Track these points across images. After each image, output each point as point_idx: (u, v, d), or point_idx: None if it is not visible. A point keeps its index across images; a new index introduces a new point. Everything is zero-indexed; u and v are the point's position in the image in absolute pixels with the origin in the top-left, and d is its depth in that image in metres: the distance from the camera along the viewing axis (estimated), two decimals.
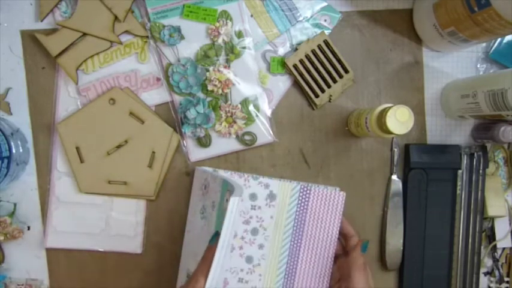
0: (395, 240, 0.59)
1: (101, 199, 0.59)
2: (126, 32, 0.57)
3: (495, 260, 0.62)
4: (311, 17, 0.58)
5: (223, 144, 0.58)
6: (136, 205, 0.59)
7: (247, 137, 0.58)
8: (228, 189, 0.47)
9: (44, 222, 0.59)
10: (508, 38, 0.59)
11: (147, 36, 0.57)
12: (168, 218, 0.59)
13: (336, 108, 0.60)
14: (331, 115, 0.60)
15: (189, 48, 0.57)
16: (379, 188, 0.60)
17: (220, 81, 0.56)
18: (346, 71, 0.58)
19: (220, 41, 0.56)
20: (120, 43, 0.57)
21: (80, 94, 0.58)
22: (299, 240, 0.55)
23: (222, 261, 0.42)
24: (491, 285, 0.62)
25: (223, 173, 0.55)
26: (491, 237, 0.61)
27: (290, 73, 0.58)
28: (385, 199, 0.60)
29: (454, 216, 0.59)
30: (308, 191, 0.54)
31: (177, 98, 0.57)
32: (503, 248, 0.62)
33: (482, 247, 0.60)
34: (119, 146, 0.58)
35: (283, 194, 0.55)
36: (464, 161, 0.59)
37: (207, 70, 0.57)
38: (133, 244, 0.59)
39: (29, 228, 0.59)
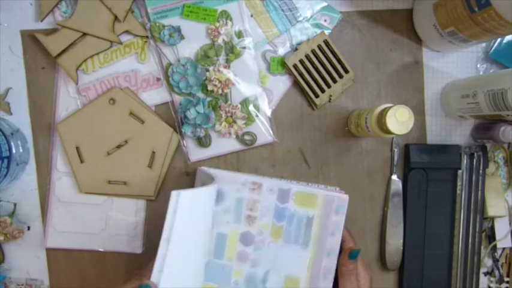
0: (395, 240, 0.59)
1: (101, 199, 0.59)
2: (126, 32, 0.57)
3: (495, 260, 0.62)
4: (311, 17, 0.58)
5: (223, 144, 0.58)
6: (136, 205, 0.59)
7: (247, 137, 0.58)
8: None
9: (44, 222, 0.59)
10: (508, 38, 0.59)
11: (147, 36, 0.57)
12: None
13: (336, 108, 0.60)
14: (331, 115, 0.60)
15: (189, 48, 0.57)
16: (379, 188, 0.60)
17: (220, 81, 0.56)
18: (346, 71, 0.58)
19: (220, 41, 0.56)
20: (120, 43, 0.57)
21: (80, 94, 0.58)
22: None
23: (169, 256, 0.43)
24: (491, 285, 0.62)
25: (217, 171, 0.55)
26: (491, 237, 0.61)
27: (290, 73, 0.58)
28: (385, 199, 0.60)
29: (454, 216, 0.59)
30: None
31: (177, 98, 0.57)
32: (503, 248, 0.62)
33: (482, 247, 0.60)
34: (119, 146, 0.58)
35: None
36: (464, 161, 0.59)
37: (207, 70, 0.57)
38: (133, 244, 0.59)
39: (29, 228, 0.59)
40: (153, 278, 0.42)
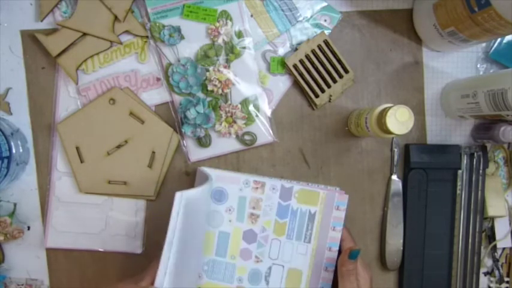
0: (395, 240, 0.59)
1: (101, 199, 0.59)
2: (126, 32, 0.57)
3: (495, 260, 0.62)
4: (311, 17, 0.58)
5: (223, 144, 0.58)
6: (136, 205, 0.59)
7: (247, 137, 0.58)
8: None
9: (44, 222, 0.59)
10: (508, 38, 0.59)
11: (147, 36, 0.57)
12: (168, 218, 0.59)
13: (336, 108, 0.60)
14: (331, 115, 0.60)
15: (189, 48, 0.57)
16: (379, 188, 0.60)
17: (220, 81, 0.56)
18: (346, 71, 0.58)
19: (220, 41, 0.56)
20: (120, 43, 0.57)
21: (80, 94, 0.58)
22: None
23: (172, 259, 0.42)
24: (491, 285, 0.62)
25: (217, 172, 0.55)
26: (491, 237, 0.61)
27: (290, 73, 0.58)
28: (385, 199, 0.60)
29: (454, 216, 0.59)
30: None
31: (177, 98, 0.57)
32: (503, 248, 0.62)
33: (482, 247, 0.60)
34: (119, 146, 0.58)
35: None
36: (464, 161, 0.59)
37: (207, 70, 0.57)
38: (133, 244, 0.59)
39: (29, 228, 0.59)
40: (157, 283, 0.41)
